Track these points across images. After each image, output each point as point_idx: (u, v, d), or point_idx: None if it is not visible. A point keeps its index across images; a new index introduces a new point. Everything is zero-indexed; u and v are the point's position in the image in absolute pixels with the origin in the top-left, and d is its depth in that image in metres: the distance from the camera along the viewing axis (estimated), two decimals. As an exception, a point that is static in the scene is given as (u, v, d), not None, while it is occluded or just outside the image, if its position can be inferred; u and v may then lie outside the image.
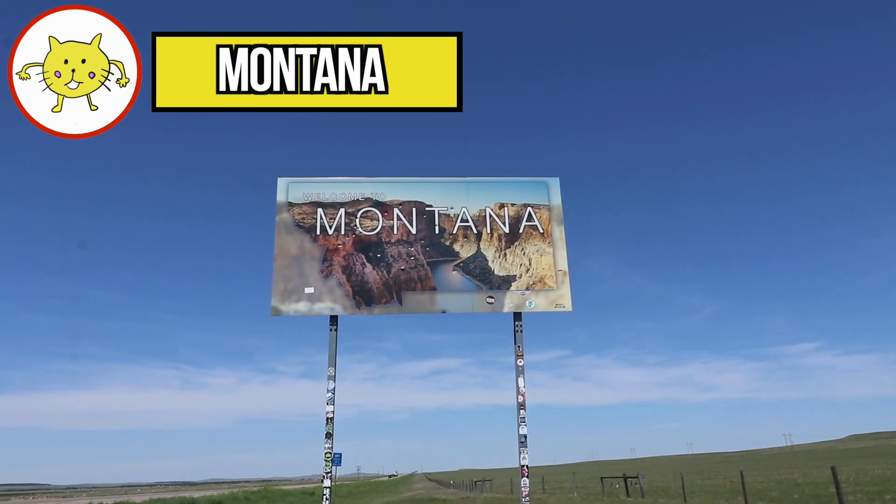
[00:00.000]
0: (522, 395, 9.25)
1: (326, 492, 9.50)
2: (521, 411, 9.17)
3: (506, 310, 9.36)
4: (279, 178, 9.64)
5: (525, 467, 9.02)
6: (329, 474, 9.53)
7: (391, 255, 9.43)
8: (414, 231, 9.58)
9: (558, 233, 9.67)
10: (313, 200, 9.61)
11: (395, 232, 9.57)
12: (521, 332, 9.46)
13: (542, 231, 9.64)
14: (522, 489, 8.90)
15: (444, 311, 9.27)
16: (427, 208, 9.71)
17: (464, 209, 9.71)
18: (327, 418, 9.52)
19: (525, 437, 9.09)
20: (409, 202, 9.71)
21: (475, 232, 9.64)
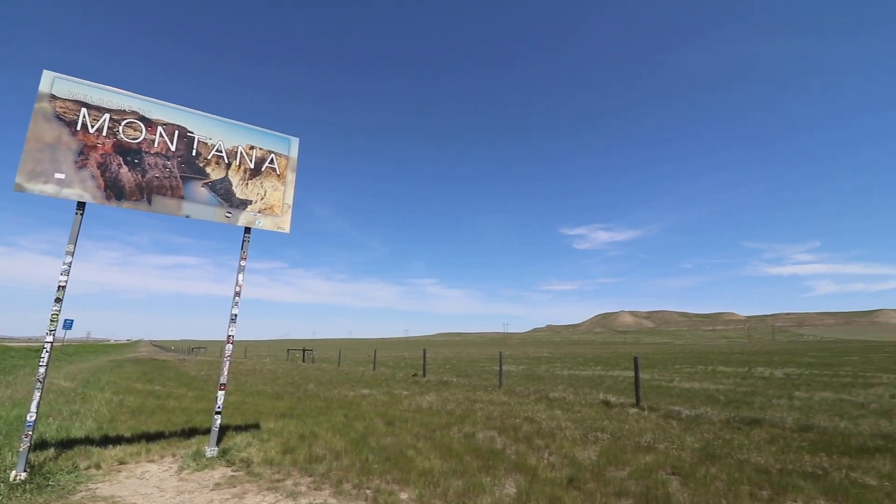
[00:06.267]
0: (239, 287, 13.60)
1: (48, 346, 12.27)
2: (236, 297, 13.54)
3: (239, 223, 13.28)
4: (45, 70, 10.91)
5: (231, 336, 13.59)
6: (53, 332, 12.26)
7: (148, 164, 12.02)
8: (173, 149, 12.35)
9: (290, 177, 13.87)
10: (79, 99, 11.31)
11: (156, 146, 12.15)
12: (249, 241, 13.59)
13: (279, 173, 13.68)
14: (225, 352, 13.50)
15: (188, 216, 12.56)
16: (188, 133, 12.57)
17: (220, 142, 12.94)
18: (59, 286, 12.08)
19: (236, 315, 13.58)
20: (172, 124, 12.36)
21: (226, 162, 13.04)
